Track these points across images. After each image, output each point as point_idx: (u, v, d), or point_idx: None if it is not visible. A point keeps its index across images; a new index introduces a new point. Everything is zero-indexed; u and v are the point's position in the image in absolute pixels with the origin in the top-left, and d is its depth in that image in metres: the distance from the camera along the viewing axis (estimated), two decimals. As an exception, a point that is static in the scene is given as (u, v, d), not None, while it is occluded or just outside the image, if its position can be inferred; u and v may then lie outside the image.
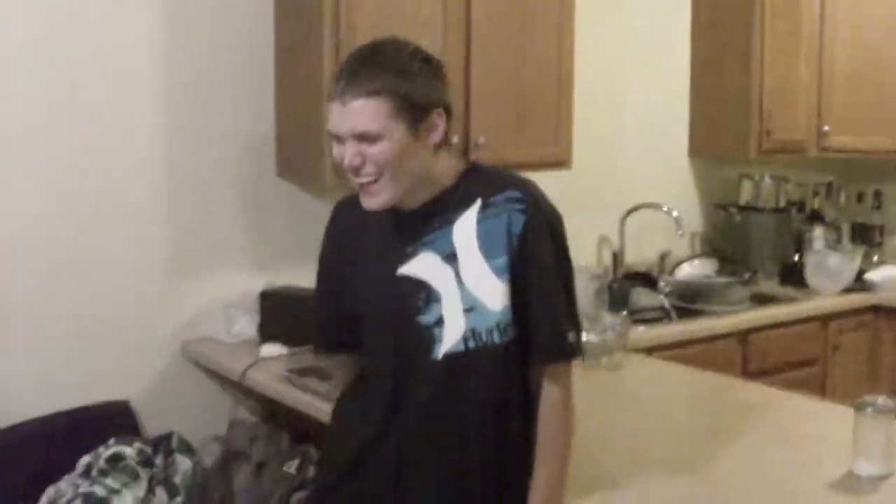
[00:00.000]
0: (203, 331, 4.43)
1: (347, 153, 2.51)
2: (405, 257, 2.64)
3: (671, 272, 5.70)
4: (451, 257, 2.60)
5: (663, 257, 5.74)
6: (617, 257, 5.56)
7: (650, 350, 4.55)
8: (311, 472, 3.98)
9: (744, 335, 5.09)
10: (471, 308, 2.59)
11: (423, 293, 2.62)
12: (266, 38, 4.48)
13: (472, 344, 2.59)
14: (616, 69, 5.68)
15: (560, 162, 4.82)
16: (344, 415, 2.90)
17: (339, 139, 2.54)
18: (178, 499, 3.89)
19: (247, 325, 4.37)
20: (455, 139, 4.35)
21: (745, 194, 6.11)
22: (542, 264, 2.60)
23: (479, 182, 2.65)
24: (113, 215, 4.20)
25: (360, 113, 2.47)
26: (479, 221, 2.60)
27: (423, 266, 2.63)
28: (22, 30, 3.95)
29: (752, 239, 6.01)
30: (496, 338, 2.59)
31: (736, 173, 6.16)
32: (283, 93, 4.45)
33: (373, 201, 2.58)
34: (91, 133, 4.12)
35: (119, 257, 4.22)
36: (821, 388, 5.32)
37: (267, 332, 4.30)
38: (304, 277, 4.25)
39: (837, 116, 5.98)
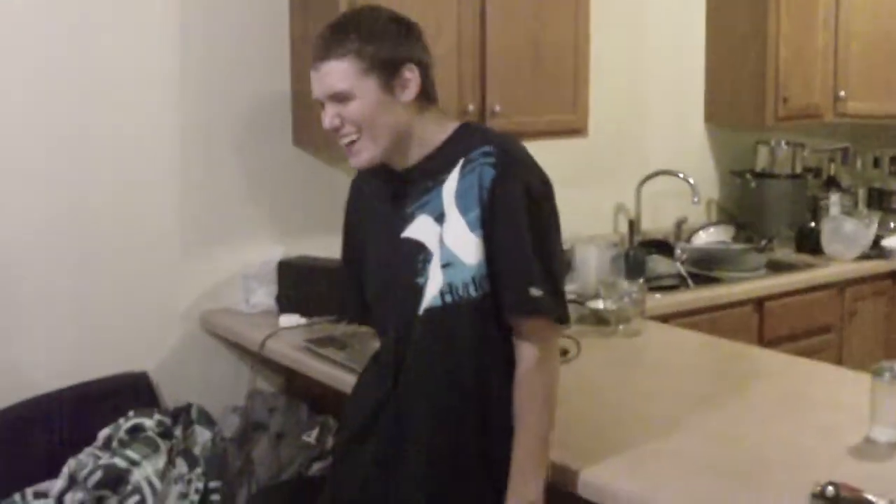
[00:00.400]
0: (221, 302, 4.44)
1: (326, 116, 2.66)
2: (407, 220, 2.71)
3: (687, 239, 5.71)
4: (440, 217, 2.65)
5: (679, 224, 5.74)
6: (633, 225, 5.56)
7: (667, 317, 4.55)
8: (329, 441, 4.00)
9: (760, 302, 5.07)
10: (448, 263, 2.62)
11: (421, 255, 2.67)
12: (281, 7, 4.47)
13: (448, 298, 2.63)
14: (632, 36, 5.67)
15: (576, 130, 4.82)
16: (363, 379, 2.96)
17: (321, 105, 2.67)
18: (198, 469, 3.91)
19: (265, 296, 4.38)
20: (470, 107, 4.37)
21: (761, 161, 6.09)
22: (510, 217, 2.60)
23: (464, 141, 2.70)
24: (130, 189, 4.21)
25: (330, 74, 2.61)
26: (458, 179, 2.64)
27: (420, 228, 2.69)
28: (35, 17, 3.96)
29: (767, 205, 5.99)
30: (472, 291, 2.61)
31: (752, 140, 6.13)
32: (298, 62, 4.44)
33: (356, 160, 2.70)
34: (106, 107, 4.13)
35: (137, 230, 4.24)
36: (837, 355, 5.31)
37: (285, 303, 4.30)
38: (322, 247, 4.29)
39: (853, 82, 5.96)
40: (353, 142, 2.66)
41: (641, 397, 3.34)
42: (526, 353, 2.64)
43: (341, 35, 2.62)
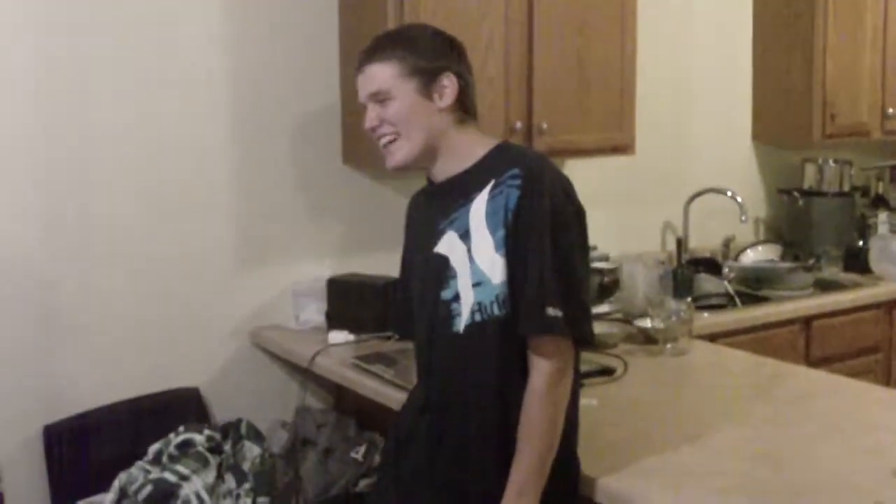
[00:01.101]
0: (271, 318, 4.48)
1: (368, 117, 2.82)
2: (438, 235, 2.79)
3: (735, 258, 5.70)
4: (465, 235, 2.72)
5: (727, 243, 5.73)
6: (681, 243, 5.54)
7: (714, 336, 4.55)
8: (376, 458, 4.01)
9: (807, 321, 5.04)
10: (478, 283, 2.69)
11: (446, 270, 2.74)
12: (331, 29, 4.51)
13: (478, 317, 2.69)
14: (679, 53, 5.67)
15: (623, 147, 4.81)
16: (412, 393, 3.03)
17: (364, 108, 2.83)
18: (247, 485, 3.93)
19: (314, 313, 4.41)
20: (518, 125, 4.38)
21: (809, 179, 6.06)
22: (532, 238, 2.64)
23: (497, 161, 2.76)
24: (182, 207, 4.25)
25: (373, 77, 2.79)
26: (488, 200, 2.70)
27: (447, 244, 2.76)
28: (99, 30, 4.02)
29: (815, 224, 5.96)
30: (496, 310, 2.67)
31: (799, 158, 6.11)
32: (348, 83, 4.47)
33: (391, 160, 2.83)
34: (159, 125, 4.18)
35: (189, 248, 4.28)
36: (885, 376, 5.28)
37: (334, 319, 4.33)
38: (371, 264, 4.32)
39: (902, 100, 5.94)
40: (389, 142, 2.80)
41: (687, 417, 3.34)
42: (538, 373, 2.66)
43: (386, 43, 2.81)
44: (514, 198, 2.65)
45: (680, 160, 5.71)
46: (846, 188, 6.03)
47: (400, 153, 2.79)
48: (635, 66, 4.79)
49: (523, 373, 2.68)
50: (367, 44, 2.87)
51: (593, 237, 4.30)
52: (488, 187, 2.70)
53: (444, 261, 2.75)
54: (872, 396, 3.59)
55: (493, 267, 2.67)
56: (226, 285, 4.38)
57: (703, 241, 5.72)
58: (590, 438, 2.93)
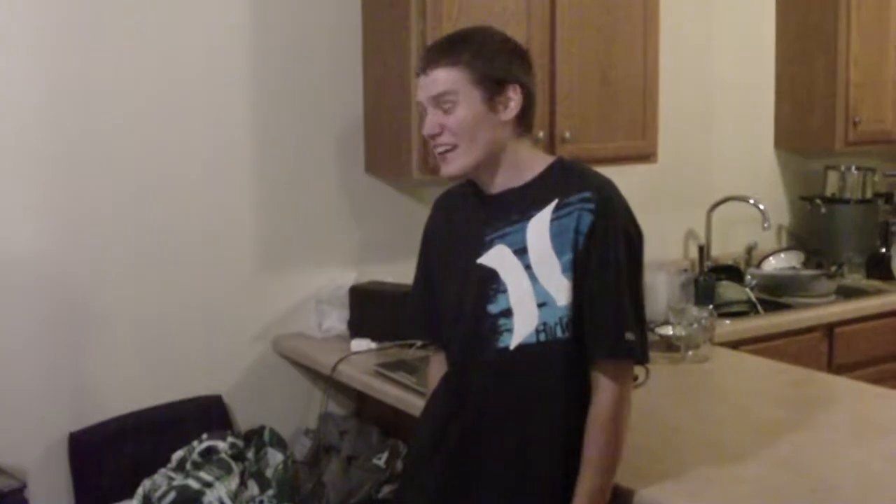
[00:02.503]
0: (294, 326, 4.49)
1: (428, 122, 2.73)
2: (484, 247, 2.74)
3: (757, 265, 5.70)
4: (521, 251, 2.68)
5: (749, 250, 5.73)
6: (703, 250, 5.54)
7: (736, 344, 4.54)
8: (399, 465, 4.02)
9: (829, 328, 5.04)
10: (543, 303, 2.66)
11: (494, 283, 2.70)
12: (354, 35, 4.52)
13: (542, 337, 2.66)
14: (701, 61, 5.67)
15: (646, 155, 4.82)
16: (430, 403, 2.99)
17: (424, 110, 2.74)
18: (270, 491, 3.94)
19: (337, 321, 4.42)
20: (540, 134, 4.38)
21: (831, 186, 6.05)
22: (606, 264, 2.63)
23: (560, 180, 2.73)
24: (205, 215, 4.28)
25: (439, 80, 2.68)
26: (552, 220, 2.66)
27: (497, 257, 2.72)
28: (116, 31, 4.04)
29: (838, 231, 5.95)
30: (559, 333, 2.65)
31: (822, 165, 6.10)
32: (371, 90, 4.50)
33: (448, 168, 2.75)
34: (182, 134, 4.20)
35: (212, 256, 4.30)
36: (909, 382, 5.28)
37: (357, 327, 4.34)
38: (394, 272, 4.33)
39: (925, 107, 5.92)
40: (448, 150, 2.72)
41: (709, 423, 3.34)
42: (605, 396, 2.65)
43: (455, 46, 2.72)
44: (587, 221, 2.62)
45: (702, 168, 5.71)
46: (869, 195, 6.02)
47: (458, 162, 2.72)
48: (658, 74, 4.80)
49: (583, 393, 2.68)
50: (432, 43, 2.84)
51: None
52: (551, 206, 2.67)
53: (491, 274, 2.71)
54: (895, 403, 3.58)
55: (559, 289, 2.64)
56: (249, 293, 4.40)
57: (726, 249, 5.72)
58: (611, 445, 2.93)
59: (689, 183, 5.63)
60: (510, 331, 2.68)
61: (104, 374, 4.10)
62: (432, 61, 2.71)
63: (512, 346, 2.68)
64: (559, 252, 2.64)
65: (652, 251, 5.15)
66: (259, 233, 4.40)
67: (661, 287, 4.65)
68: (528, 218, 2.69)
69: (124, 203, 4.09)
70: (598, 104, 4.61)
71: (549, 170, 2.76)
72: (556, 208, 2.66)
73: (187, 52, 4.19)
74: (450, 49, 2.71)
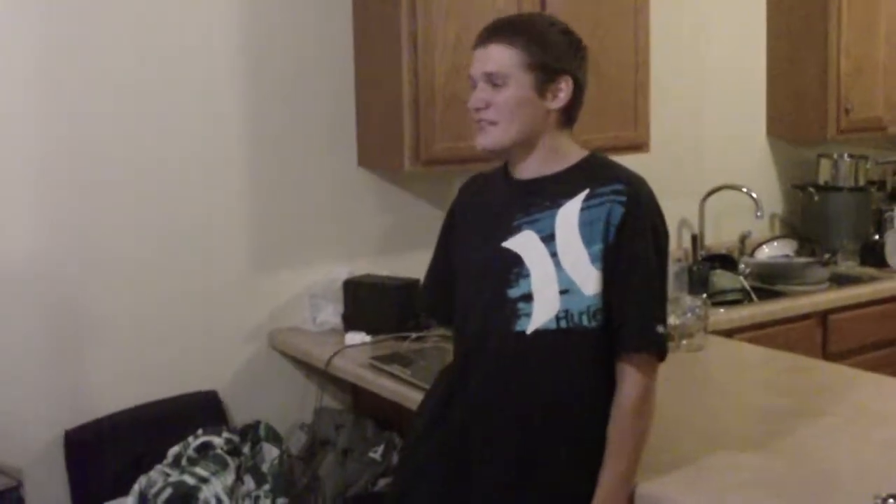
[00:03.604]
0: (288, 320, 4.49)
1: (475, 95, 2.74)
2: (511, 231, 2.74)
3: (751, 254, 5.70)
4: (548, 238, 2.69)
5: (743, 239, 5.73)
6: (696, 239, 5.55)
7: (730, 332, 4.56)
8: (395, 458, 4.03)
9: (824, 316, 5.05)
10: (566, 290, 2.66)
11: (516, 268, 2.70)
12: (344, 28, 4.52)
13: (563, 324, 2.66)
14: (692, 50, 5.67)
15: (638, 145, 4.82)
16: (439, 376, 3.01)
17: (474, 84, 2.76)
18: (266, 486, 3.94)
19: (331, 314, 4.42)
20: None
21: (824, 174, 6.06)
22: (636, 257, 2.65)
23: (591, 171, 2.75)
24: (198, 210, 4.28)
25: (494, 57, 2.71)
26: (582, 209, 2.67)
27: (523, 242, 2.72)
28: (108, 27, 4.03)
29: (831, 219, 5.96)
30: (585, 321, 2.65)
31: (814, 153, 6.11)
32: (363, 84, 4.50)
33: (484, 139, 2.76)
34: (174, 131, 4.20)
35: (205, 251, 4.30)
36: (902, 369, 5.28)
37: (351, 321, 4.34)
38: (387, 265, 4.34)
39: (917, 93, 5.93)
40: (487, 124, 2.73)
41: (704, 412, 3.35)
42: (632, 387, 2.66)
43: (516, 27, 2.76)
44: (618, 213, 2.64)
45: (695, 157, 5.72)
46: (861, 183, 6.03)
47: (492, 137, 2.73)
48: (649, 64, 4.81)
49: (604, 383, 2.69)
50: (496, 21, 2.82)
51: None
52: (582, 195, 2.68)
53: (515, 258, 2.72)
54: (889, 389, 3.58)
55: (587, 278, 2.64)
56: (242, 288, 4.40)
57: (719, 238, 5.73)
58: (606, 435, 2.93)
59: (682, 172, 5.63)
60: (528, 315, 2.69)
61: (99, 371, 4.10)
62: (491, 37, 2.73)
63: (529, 331, 2.69)
64: (588, 241, 2.65)
65: (645, 241, 5.18)
66: (252, 227, 4.40)
67: (654, 277, 4.65)
68: (559, 206, 2.70)
69: (116, 201, 4.09)
70: (589, 95, 4.57)
71: (584, 161, 2.78)
72: (587, 198, 2.68)
73: (179, 49, 4.18)
74: (510, 29, 2.74)
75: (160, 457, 3.96)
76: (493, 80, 2.70)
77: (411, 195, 4.63)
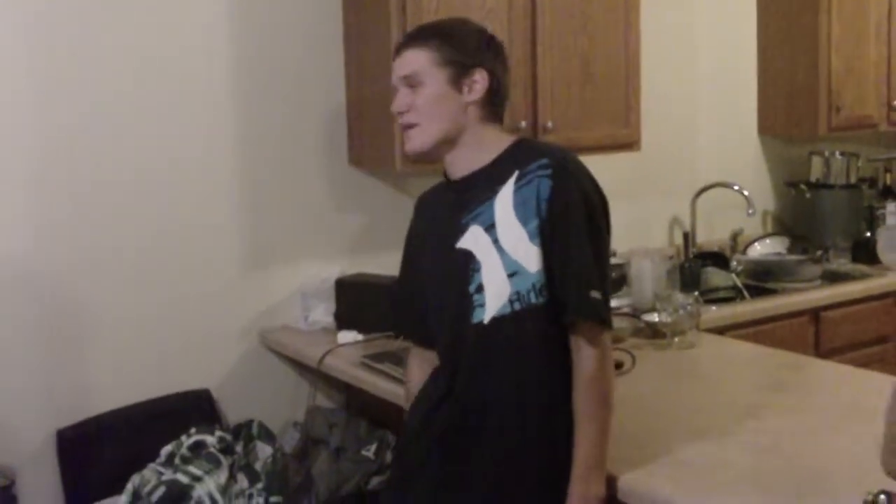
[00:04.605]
0: (280, 319, 4.51)
1: (396, 100, 2.85)
2: (460, 231, 2.80)
3: (743, 251, 5.71)
4: (490, 227, 2.74)
5: (735, 236, 5.74)
6: (688, 237, 5.56)
7: (722, 330, 4.56)
8: (388, 456, 4.03)
9: (816, 313, 5.05)
10: (514, 272, 2.71)
11: (472, 264, 2.76)
12: (335, 27, 4.52)
13: (517, 306, 2.71)
14: (683, 48, 5.68)
15: (629, 144, 4.83)
16: (425, 386, 3.01)
17: (396, 91, 2.86)
18: (259, 484, 3.95)
19: (323, 313, 4.43)
20: (523, 124, 4.39)
21: (816, 171, 6.06)
22: (568, 227, 2.68)
23: (519, 155, 2.79)
24: (189, 209, 4.28)
25: (407, 61, 2.82)
26: (515, 192, 2.73)
27: (472, 238, 2.78)
28: (103, 29, 4.05)
29: (823, 216, 5.96)
30: (534, 298, 2.70)
31: (806, 150, 6.12)
32: (353, 83, 4.50)
33: (409, 144, 2.87)
34: (165, 130, 4.21)
35: (196, 250, 4.31)
36: (894, 365, 5.26)
37: (343, 320, 4.35)
38: (379, 265, 4.35)
39: (908, 91, 5.94)
40: (409, 126, 2.82)
41: (695, 409, 3.35)
42: (585, 358, 2.69)
43: (426, 31, 2.88)
44: (547, 187, 2.68)
45: (686, 155, 5.73)
46: (853, 180, 6.03)
47: (417, 139, 2.82)
48: (639, 62, 4.81)
49: (561, 357, 2.72)
50: (410, 30, 2.95)
51: (600, 232, 4.28)
52: (513, 178, 2.73)
53: (467, 255, 2.77)
54: (881, 386, 3.56)
55: (529, 256, 2.69)
56: (234, 287, 4.41)
57: (711, 235, 5.74)
58: (598, 432, 2.93)
59: (674, 170, 5.65)
60: (482, 305, 2.74)
61: (91, 370, 4.10)
62: (405, 45, 2.85)
63: (486, 321, 2.74)
64: (523, 221, 2.70)
65: (637, 238, 5.22)
66: (244, 227, 4.41)
67: (646, 274, 4.67)
68: (495, 193, 2.75)
69: (109, 201, 4.10)
70: (580, 93, 4.62)
71: (511, 147, 2.83)
72: (518, 179, 2.73)
73: (169, 49, 4.19)
74: (421, 34, 2.86)
75: (153, 455, 3.96)
76: (411, 82, 2.81)
77: (402, 194, 4.63)
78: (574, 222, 2.68)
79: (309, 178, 4.53)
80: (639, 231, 5.44)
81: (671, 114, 5.59)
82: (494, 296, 2.72)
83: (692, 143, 5.76)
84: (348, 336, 4.23)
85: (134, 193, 4.15)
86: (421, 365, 3.06)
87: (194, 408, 4.26)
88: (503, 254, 2.71)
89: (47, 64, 3.95)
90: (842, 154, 6.02)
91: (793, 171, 6.17)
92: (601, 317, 2.70)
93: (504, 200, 2.73)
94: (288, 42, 4.44)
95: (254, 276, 4.45)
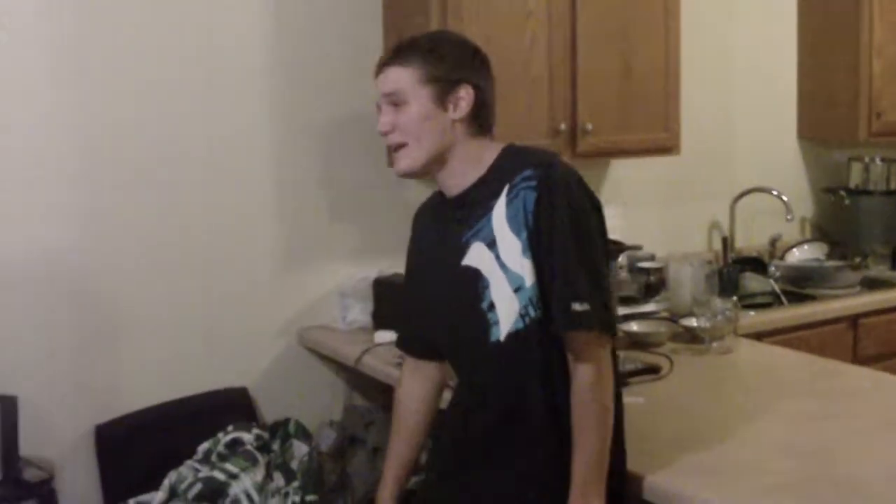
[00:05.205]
0: (319, 319, 4.52)
1: (381, 120, 2.80)
2: (464, 248, 2.77)
3: (781, 257, 5.69)
4: (492, 244, 2.72)
5: (773, 242, 5.72)
6: (727, 242, 5.54)
7: (760, 335, 4.54)
8: (423, 456, 4.03)
9: (854, 320, 5.02)
10: (518, 287, 2.69)
11: (481, 281, 2.73)
12: (374, 27, 4.52)
13: (527, 320, 2.69)
14: (722, 52, 5.66)
15: (669, 148, 4.81)
16: (457, 394, 3.03)
17: (380, 110, 2.82)
18: (295, 483, 3.96)
19: (361, 313, 4.44)
20: (562, 126, 4.39)
21: (855, 177, 6.03)
22: (552, 238, 2.64)
23: (508, 165, 2.77)
24: (229, 209, 4.31)
25: (390, 78, 2.77)
26: (507, 204, 2.70)
27: (476, 255, 2.75)
28: (141, 22, 4.07)
29: (862, 222, 5.93)
30: (532, 312, 2.68)
31: (845, 156, 6.09)
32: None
33: (398, 166, 2.83)
34: (205, 130, 4.23)
35: (236, 250, 4.33)
36: (933, 373, 5.25)
37: (380, 319, 4.36)
38: (417, 265, 4.33)
39: (949, 97, 5.90)
40: (398, 147, 2.78)
41: (733, 415, 3.34)
42: (579, 371, 2.66)
43: (409, 48, 2.80)
44: (532, 198, 2.65)
45: (725, 159, 5.70)
46: (893, 186, 5.98)
47: (406, 160, 2.78)
48: (679, 66, 4.79)
49: (563, 369, 2.70)
50: (392, 46, 2.88)
51: (639, 237, 4.31)
52: (504, 191, 2.71)
53: (475, 273, 2.75)
54: (920, 394, 3.58)
55: (524, 270, 2.67)
56: (273, 286, 4.43)
57: (749, 241, 5.72)
58: (636, 436, 2.93)
59: (713, 174, 5.63)
60: (497, 323, 2.72)
61: (130, 367, 4.13)
62: (385, 63, 2.81)
63: (502, 338, 2.72)
64: (517, 234, 2.68)
65: (675, 243, 5.21)
66: (283, 226, 4.42)
67: (685, 279, 4.65)
68: (491, 209, 2.73)
69: (148, 199, 4.13)
70: (619, 97, 4.61)
71: (499, 158, 2.80)
72: (508, 192, 2.70)
73: (209, 48, 4.22)
74: (403, 51, 2.80)
75: (190, 452, 3.98)
76: (394, 101, 2.77)
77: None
78: (558, 233, 2.65)
79: (348, 178, 4.54)
80: (677, 235, 5.43)
81: (710, 118, 5.57)
82: (506, 313, 2.71)
83: (731, 147, 5.74)
84: (385, 336, 4.23)
85: (174, 191, 4.17)
86: (413, 374, 3.11)
87: (232, 405, 4.28)
88: (506, 270, 2.70)
89: (88, 62, 3.98)
90: (882, 160, 5.98)
91: (832, 177, 6.14)
92: (587, 327, 2.65)
93: (499, 215, 2.71)
94: (327, 42, 4.45)
95: (292, 276, 4.47)
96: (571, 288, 2.63)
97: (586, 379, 2.65)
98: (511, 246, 2.68)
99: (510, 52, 4.25)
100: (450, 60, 2.77)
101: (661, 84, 4.74)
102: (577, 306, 2.62)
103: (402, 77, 2.75)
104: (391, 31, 4.47)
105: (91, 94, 3.99)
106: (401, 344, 3.23)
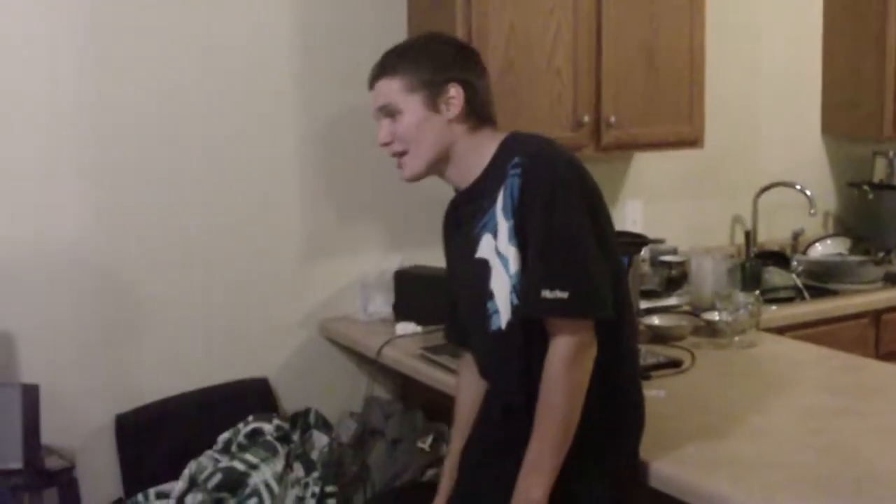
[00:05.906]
0: (340, 310, 4.52)
1: (380, 132, 2.87)
2: (476, 241, 2.79)
3: (804, 251, 5.67)
4: (495, 233, 2.73)
5: (796, 236, 5.70)
6: (750, 236, 5.53)
7: (782, 330, 4.52)
8: (443, 448, 4.04)
9: (877, 315, 5.01)
10: (514, 274, 2.70)
11: (487, 272, 2.75)
12: (399, 23, 4.51)
13: (512, 308, 2.72)
14: (747, 46, 5.65)
15: (692, 141, 4.80)
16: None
17: (379, 122, 2.88)
18: (315, 474, 3.96)
19: (382, 304, 4.44)
20: (586, 118, 4.38)
21: (879, 172, 6.03)
22: (535, 223, 2.64)
23: (503, 156, 2.77)
24: (251, 200, 4.31)
25: (382, 92, 2.85)
26: (501, 194, 2.71)
27: (486, 247, 2.77)
28: (163, 16, 4.08)
29: (885, 217, 5.90)
30: (515, 300, 2.70)
31: (869, 151, 6.08)
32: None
33: (403, 172, 2.90)
34: (227, 122, 4.24)
35: (258, 240, 4.34)
36: (956, 369, 5.23)
37: (402, 311, 4.36)
38: (438, 257, 4.29)
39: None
40: (400, 155, 2.86)
41: (754, 409, 3.32)
42: (552, 354, 2.66)
43: (393, 59, 2.86)
44: (517, 186, 2.66)
45: (749, 153, 5.69)
46: (917, 182, 5.98)
47: (409, 167, 2.86)
48: (704, 59, 4.78)
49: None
50: (380, 59, 2.91)
51: (662, 230, 4.29)
52: (504, 181, 2.72)
53: (485, 264, 2.76)
54: (943, 390, 3.56)
55: (510, 256, 2.69)
56: (295, 277, 4.43)
57: (772, 235, 5.71)
58: (657, 430, 2.94)
59: (736, 168, 5.62)
60: (497, 312, 2.75)
61: (151, 357, 4.14)
62: (373, 77, 2.88)
63: (504, 326, 2.74)
64: (507, 221, 2.69)
65: (698, 237, 5.20)
66: (305, 217, 4.43)
67: (707, 273, 4.64)
68: (495, 200, 2.73)
69: (170, 190, 4.14)
70: (643, 89, 4.60)
71: (499, 149, 2.80)
72: (503, 181, 2.72)
73: (233, 40, 4.22)
74: (386, 63, 2.87)
75: (210, 442, 3.99)
76: (389, 112, 2.83)
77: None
78: (534, 219, 2.64)
79: (370, 170, 4.52)
80: (700, 229, 5.42)
81: (734, 112, 5.57)
82: (503, 302, 2.73)
83: (755, 141, 5.73)
84: (407, 328, 4.24)
85: (195, 183, 4.18)
86: (468, 366, 3.10)
87: (252, 396, 4.29)
88: (502, 258, 2.72)
89: (112, 52, 3.99)
90: (906, 155, 5.97)
91: (856, 172, 6.12)
92: (560, 315, 2.63)
93: (500, 205, 2.72)
94: (352, 35, 4.44)
95: (314, 267, 4.47)
96: (541, 275, 2.63)
97: (556, 366, 2.64)
98: (503, 234, 2.70)
99: (534, 44, 4.26)
100: (434, 63, 2.81)
101: (686, 77, 4.73)
102: (547, 293, 2.61)
103: (392, 88, 2.81)
104: (416, 27, 4.47)
105: (114, 87, 4.00)
106: (447, 335, 3.26)
